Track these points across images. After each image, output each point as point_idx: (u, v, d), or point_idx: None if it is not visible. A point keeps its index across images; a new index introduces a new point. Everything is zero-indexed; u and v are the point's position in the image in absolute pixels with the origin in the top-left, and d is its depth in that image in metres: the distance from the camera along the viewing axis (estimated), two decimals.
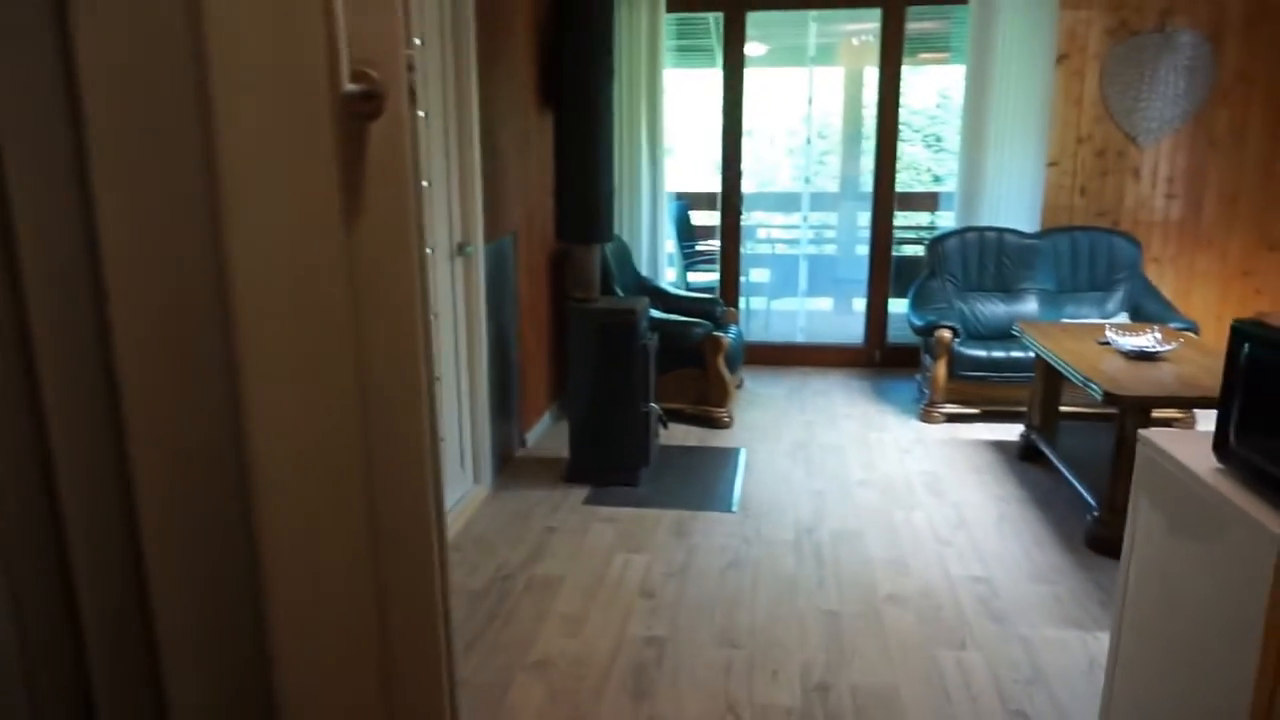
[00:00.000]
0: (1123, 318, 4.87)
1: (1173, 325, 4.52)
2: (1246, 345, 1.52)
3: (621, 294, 4.70)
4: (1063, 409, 4.13)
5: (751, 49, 5.78)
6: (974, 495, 3.70)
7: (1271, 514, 1.40)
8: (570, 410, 3.86)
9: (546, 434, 4.52)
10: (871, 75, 6.31)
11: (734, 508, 3.60)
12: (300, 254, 0.99)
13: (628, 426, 3.79)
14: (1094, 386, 3.05)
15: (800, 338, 6.13)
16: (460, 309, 3.52)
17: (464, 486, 3.65)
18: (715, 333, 4.57)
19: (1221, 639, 1.51)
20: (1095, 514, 3.20)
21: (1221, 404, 1.57)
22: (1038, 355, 3.97)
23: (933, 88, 10.94)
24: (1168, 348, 3.40)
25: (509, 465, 4.10)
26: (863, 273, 6.28)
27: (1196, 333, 4.53)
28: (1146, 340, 3.52)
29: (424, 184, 3.27)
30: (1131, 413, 3.02)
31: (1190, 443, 1.71)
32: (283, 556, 1.01)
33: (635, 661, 2.55)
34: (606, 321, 3.71)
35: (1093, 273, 5.03)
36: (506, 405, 4.06)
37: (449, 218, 3.39)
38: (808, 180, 6.12)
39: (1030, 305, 4.99)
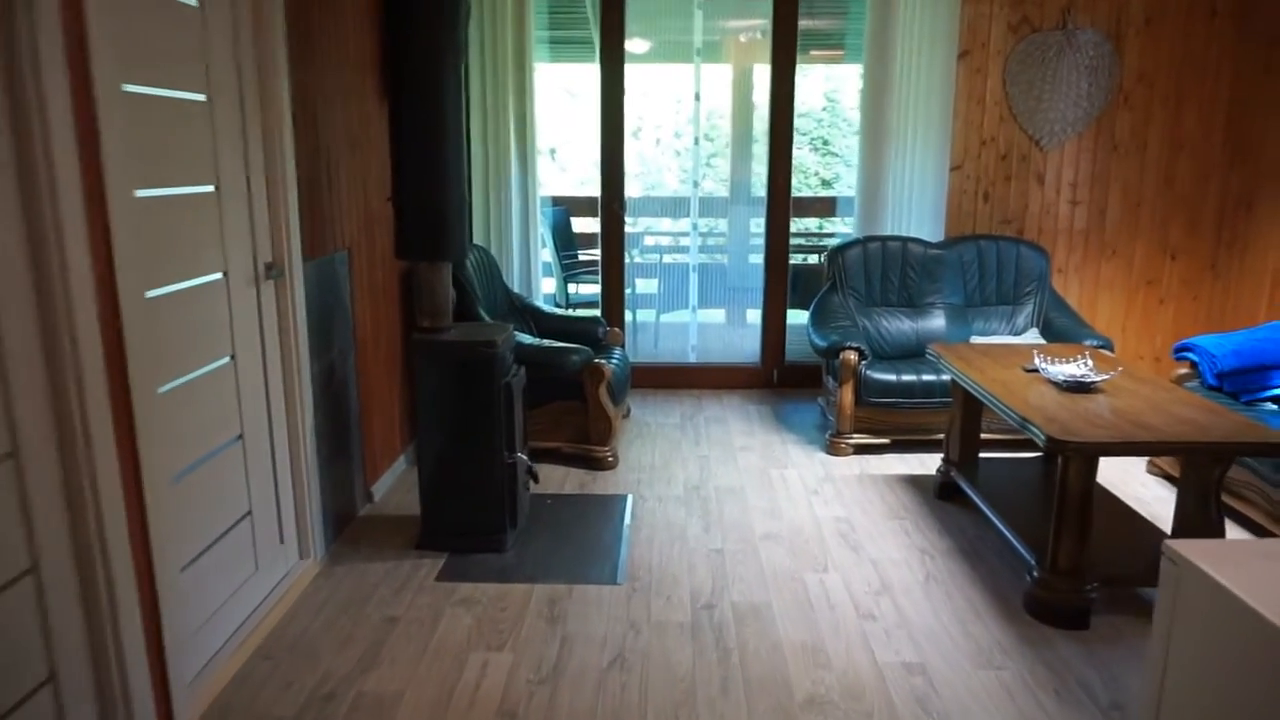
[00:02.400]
0: (1033, 333, 4.54)
1: (1087, 342, 4.21)
2: None
3: (487, 317, 4.04)
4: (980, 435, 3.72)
5: (634, 45, 5.23)
6: (894, 549, 3.22)
7: None
8: (420, 463, 3.18)
9: (400, 484, 3.82)
10: (761, 74, 5.85)
11: (619, 578, 3.00)
12: None
13: (489, 482, 3.14)
14: (1034, 429, 2.60)
15: (692, 357, 5.61)
16: (270, 345, 2.80)
17: (284, 565, 2.93)
18: (596, 360, 3.97)
19: None
20: (1034, 574, 2.76)
21: None
22: (955, 383, 3.54)
23: (819, 89, 10.68)
24: (1103, 377, 3.00)
25: (350, 528, 3.38)
26: (755, 282, 5.81)
27: (1111, 349, 4.22)
28: (1078, 368, 3.13)
29: (209, 188, 2.56)
30: (1077, 460, 2.58)
31: (1241, 564, 1.21)
32: None
33: None
34: (460, 357, 3.05)
35: (1000, 285, 4.68)
36: (345, 455, 3.35)
37: (250, 232, 2.66)
38: (696, 184, 5.60)
39: (937, 321, 4.60)
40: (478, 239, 4.87)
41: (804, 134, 10.09)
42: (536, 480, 3.35)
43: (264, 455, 2.78)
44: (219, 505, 2.50)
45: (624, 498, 3.68)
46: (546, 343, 3.98)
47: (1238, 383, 3.66)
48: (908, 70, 4.73)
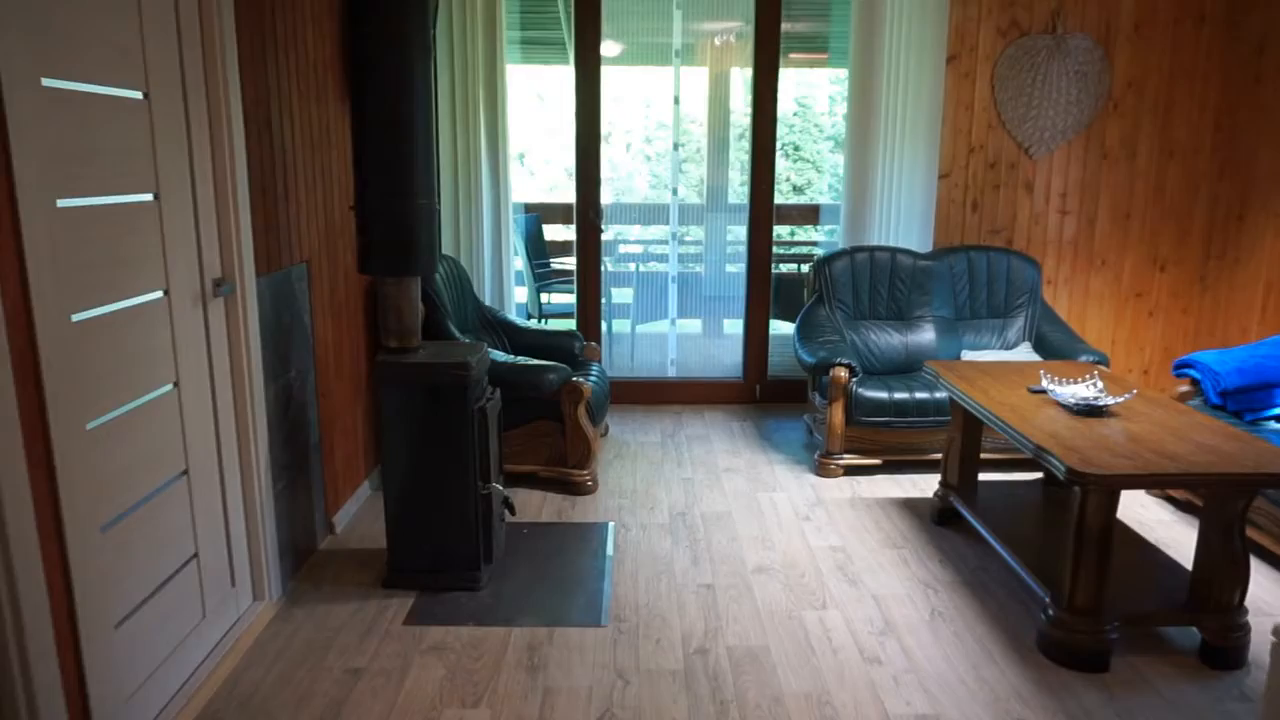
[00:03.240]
0: (1025, 348, 4.39)
1: (1082, 358, 4.07)
2: None
3: (458, 333, 3.79)
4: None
5: (609, 48, 5.02)
6: (895, 581, 3.03)
7: None
8: (386, 496, 2.93)
9: (366, 511, 3.56)
10: (739, 78, 5.67)
11: (603, 618, 2.78)
12: None
13: (462, 515, 2.90)
14: (1053, 460, 2.42)
15: (672, 371, 5.40)
16: (220, 369, 2.54)
17: (236, 610, 2.66)
18: (575, 378, 3.74)
19: None
20: (1049, 612, 2.58)
21: None
22: (954, 403, 3.37)
23: (790, 93, 10.54)
24: (1116, 400, 2.83)
25: (310, 564, 3.12)
26: (733, 292, 5.63)
27: (1107, 365, 4.08)
28: (1088, 389, 2.96)
29: (147, 197, 2.29)
30: (1098, 493, 2.41)
31: None
32: None
33: None
34: (429, 381, 2.81)
35: (991, 298, 4.53)
36: (304, 484, 3.09)
37: (196, 244, 2.40)
38: (675, 191, 5.39)
39: (927, 335, 4.44)
40: (447, 249, 4.63)
41: (774, 139, 9.96)
42: (513, 512, 3.11)
43: (212, 490, 2.52)
44: (160, 550, 2.24)
45: (605, 526, 3.46)
46: (521, 361, 3.75)
47: (1241, 401, 3.53)
48: (895, 74, 4.56)
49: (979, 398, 3.02)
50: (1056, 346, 4.28)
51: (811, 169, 11.31)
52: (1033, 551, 2.87)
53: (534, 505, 3.66)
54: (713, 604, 2.87)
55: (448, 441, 2.85)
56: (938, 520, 3.50)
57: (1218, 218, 4.80)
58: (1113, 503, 2.44)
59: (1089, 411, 2.81)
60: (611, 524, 3.48)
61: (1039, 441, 2.54)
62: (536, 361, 3.75)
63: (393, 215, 2.74)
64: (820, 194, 10.54)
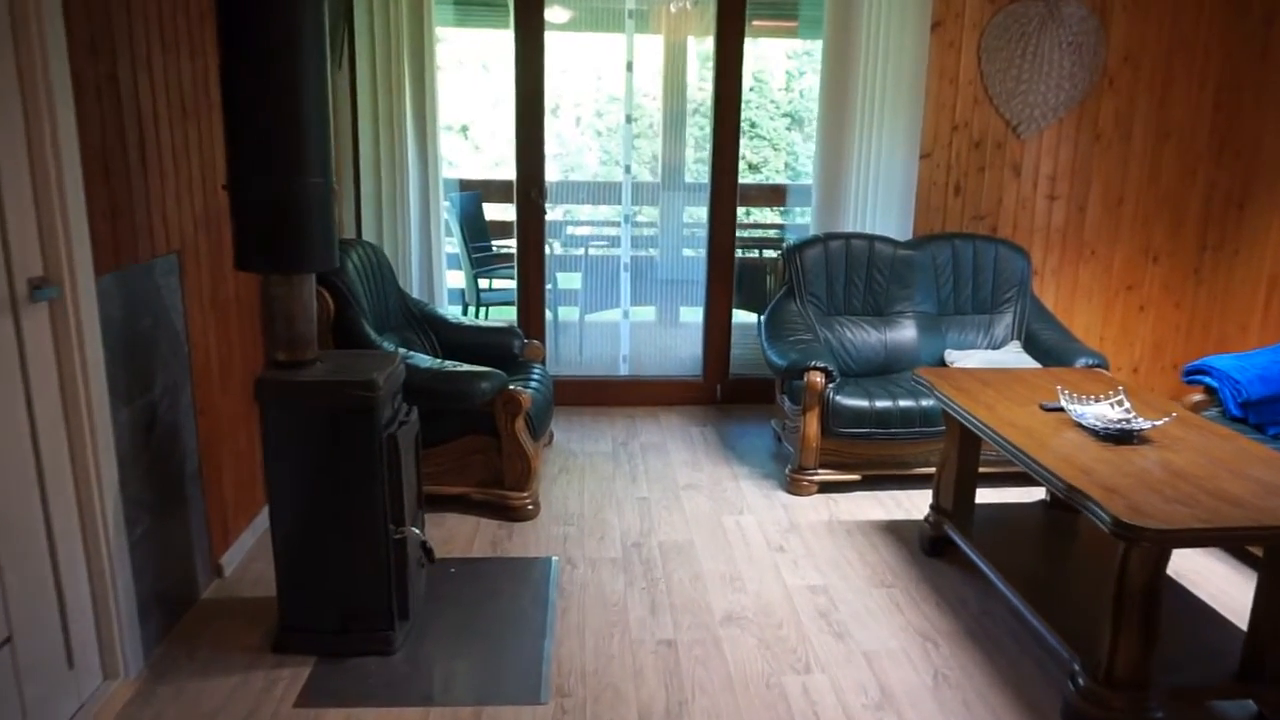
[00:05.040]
0: (1014, 346, 3.98)
1: (1080, 360, 3.67)
2: None
3: (374, 334, 3.23)
4: None
5: (556, 14, 4.46)
6: (888, 633, 2.59)
7: None
8: (275, 541, 2.38)
9: (265, 547, 2.99)
10: (696, 47, 5.17)
11: (543, 693, 2.28)
12: None
13: (370, 563, 2.37)
14: (1094, 508, 1.98)
15: (625, 369, 4.89)
16: (43, 393, 1.96)
17: (76, 697, 2.10)
18: (512, 387, 3.22)
19: None
20: (1079, 681, 2.15)
21: None
22: (950, 418, 2.93)
23: (745, 68, 10.05)
24: (1150, 424, 2.41)
25: (187, 620, 2.57)
26: (689, 276, 5.15)
27: (1106, 367, 3.69)
28: (1113, 410, 2.53)
29: None
30: (1146, 546, 1.97)
31: None
32: None
33: None
34: (327, 403, 2.26)
35: (976, 291, 4.11)
36: (178, 522, 2.53)
37: (0, 236, 1.82)
38: (628, 169, 4.87)
39: (908, 332, 4.00)
40: (367, 234, 4.04)
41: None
42: (432, 560, 2.58)
43: (34, 551, 1.95)
44: None
45: (548, 563, 2.95)
46: (449, 366, 3.21)
47: (1264, 413, 3.15)
48: (874, 42, 4.08)
49: (984, 416, 2.58)
50: (1049, 347, 3.87)
51: (768, 146, 10.84)
52: (1048, 597, 2.44)
53: (464, 535, 3.14)
54: (675, 668, 2.39)
55: (351, 476, 2.31)
56: (929, 550, 3.07)
57: (1215, 205, 4.43)
58: (1164, 558, 2.01)
59: (1119, 437, 2.38)
60: (555, 559, 2.98)
61: (1069, 479, 2.10)
62: (467, 367, 3.21)
63: (276, 197, 2.17)
64: (776, 173, 10.05)
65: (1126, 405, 2.54)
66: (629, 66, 4.52)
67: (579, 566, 2.94)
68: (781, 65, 10.33)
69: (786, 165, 9.73)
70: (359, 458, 2.30)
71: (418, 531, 2.47)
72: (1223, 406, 3.24)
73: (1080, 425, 2.48)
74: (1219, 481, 2.11)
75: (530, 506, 3.29)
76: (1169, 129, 4.37)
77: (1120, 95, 4.32)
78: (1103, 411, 2.51)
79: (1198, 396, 3.35)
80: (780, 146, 10.31)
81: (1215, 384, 3.26)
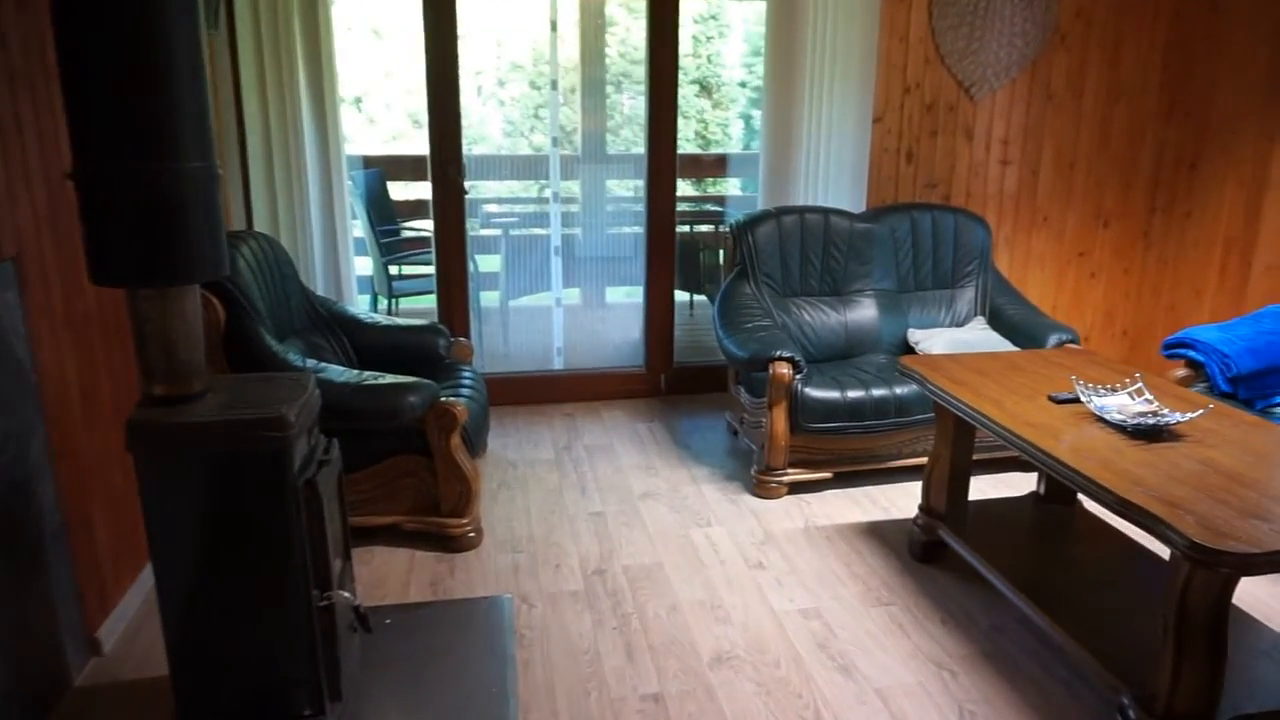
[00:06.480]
0: (979, 323, 3.75)
1: (1053, 336, 3.47)
2: None
3: (276, 345, 2.72)
4: None
5: None
6: (897, 663, 2.29)
7: None
8: (165, 616, 1.91)
9: (153, 612, 2.49)
10: (617, 5, 4.76)
11: None
12: None
13: (288, 638, 1.92)
14: (1167, 531, 1.70)
15: (559, 362, 4.48)
16: None
17: None
18: (444, 398, 2.77)
19: None
20: (1131, 716, 1.89)
21: None
22: (943, 411, 2.64)
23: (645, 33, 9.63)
24: (1180, 417, 2.16)
25: (59, 715, 2.06)
26: (618, 253, 4.79)
27: (1078, 342, 3.49)
28: (1134, 400, 2.28)
29: None
30: (1213, 570, 1.70)
31: None
32: None
33: None
34: (221, 448, 1.79)
35: (937, 266, 3.85)
36: (36, 594, 2.02)
37: None
38: (555, 141, 4.42)
39: (868, 311, 3.71)
40: (260, 224, 3.50)
41: (638, 81, 9.07)
42: (368, 628, 2.14)
43: None
44: None
45: (500, 603, 2.55)
46: (369, 378, 2.74)
47: (1254, 388, 2.99)
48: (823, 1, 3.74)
49: (993, 413, 2.29)
50: (1017, 323, 3.65)
51: (689, 117, 10.47)
52: (1072, 612, 2.18)
53: (397, 574, 2.70)
54: None
55: (259, 536, 1.85)
56: (921, 556, 2.80)
57: (1165, 166, 4.29)
58: (1235, 580, 1.76)
59: (1150, 433, 2.13)
60: (508, 598, 2.57)
61: (1123, 493, 1.82)
62: (390, 378, 2.75)
63: (141, 188, 1.68)
64: (687, 141, 9.69)
65: (1150, 397, 2.29)
66: (553, 25, 4.05)
67: (536, 605, 2.55)
68: (688, 30, 9.94)
69: (696, 134, 9.36)
70: (269, 512, 1.84)
71: (348, 595, 2.03)
72: (1210, 382, 3.06)
73: (1103, 420, 2.21)
74: (1277, 486, 1.87)
75: (472, 534, 2.86)
76: (1120, 88, 4.19)
77: (1073, 53, 4.10)
78: (1126, 405, 2.26)
79: (1181, 371, 3.16)
80: (689, 114, 9.94)
81: (1201, 358, 3.08)
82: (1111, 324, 4.53)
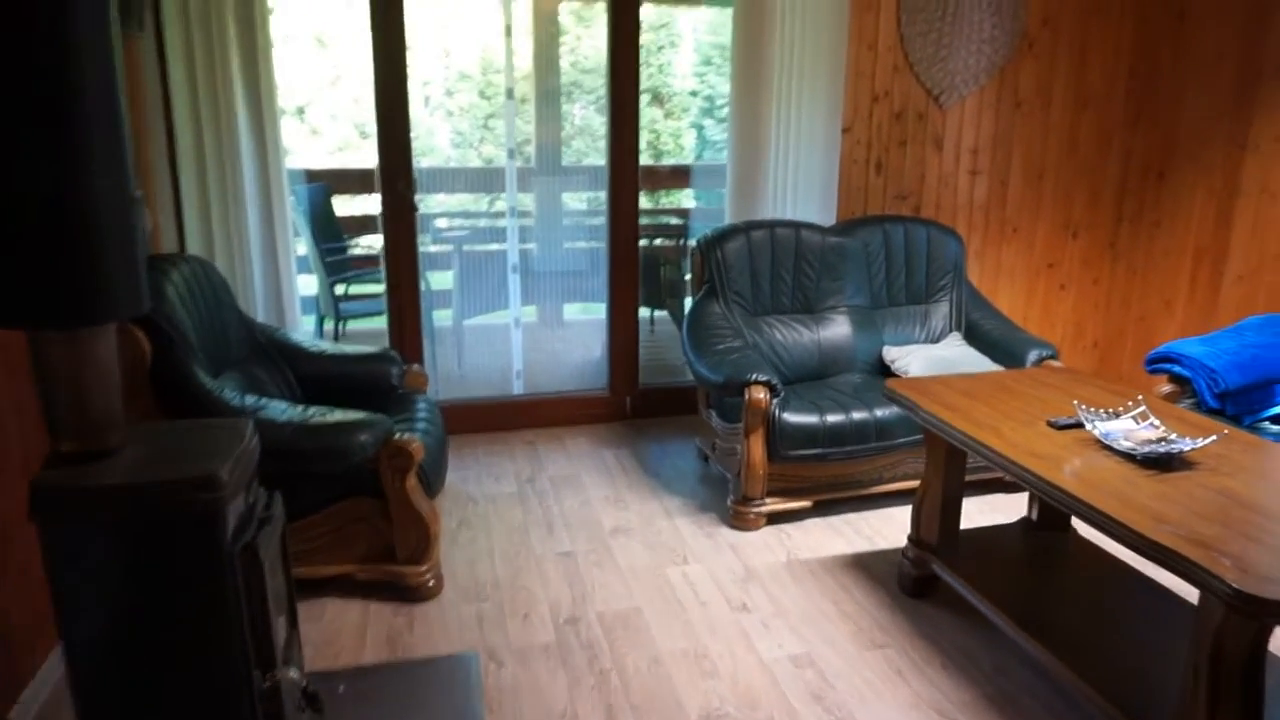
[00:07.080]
0: (954, 338, 3.64)
1: (1033, 351, 3.36)
2: None
3: (209, 382, 2.47)
4: None
5: None
6: (897, 714, 2.12)
7: None
8: (79, 698, 1.65)
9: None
10: (568, 14, 4.59)
11: None
12: None
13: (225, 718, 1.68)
14: (1205, 576, 1.56)
15: (519, 387, 4.26)
16: None
17: None
18: (397, 436, 2.55)
19: None
20: None
21: None
22: (934, 438, 2.50)
23: (602, 37, 9.51)
24: (1192, 444, 2.04)
25: None
26: (573, 267, 4.61)
27: (1056, 357, 3.39)
28: (1145, 428, 2.15)
29: None
30: (1247, 615, 1.57)
31: None
32: None
33: None
34: (144, 520, 1.55)
35: (910, 280, 3.73)
36: None
37: None
38: (511, 153, 4.21)
39: (842, 329, 3.57)
40: (194, 247, 3.23)
41: (588, 91, 8.88)
42: (319, 709, 1.91)
43: None
44: None
45: (466, 661, 2.32)
46: (315, 415, 2.50)
47: (1241, 403, 2.91)
48: (790, 4, 3.60)
49: (994, 442, 2.15)
50: (995, 339, 3.54)
51: (645, 127, 10.34)
52: (1083, 655, 2.04)
53: (350, 631, 2.46)
54: None
55: (189, 610, 1.61)
56: (911, 591, 2.64)
57: (1132, 174, 4.24)
58: (1274, 625, 1.62)
59: (1160, 462, 2.00)
60: (474, 655, 2.35)
61: (1151, 534, 1.67)
62: (339, 414, 2.51)
63: (39, 210, 1.44)
64: (640, 152, 9.55)
65: (1156, 422, 2.16)
66: (507, 30, 3.85)
67: (505, 663, 2.33)
68: (648, 38, 9.81)
69: (649, 145, 9.22)
70: (200, 585, 1.60)
71: (295, 674, 1.79)
72: (1198, 398, 2.97)
73: (1110, 448, 2.08)
74: None
75: (432, 582, 2.64)
76: (1087, 96, 4.13)
77: (1040, 60, 4.03)
78: (1129, 428, 2.13)
79: (1166, 387, 3.07)
80: (642, 124, 9.80)
81: (1188, 374, 2.99)
82: (1082, 336, 4.46)
